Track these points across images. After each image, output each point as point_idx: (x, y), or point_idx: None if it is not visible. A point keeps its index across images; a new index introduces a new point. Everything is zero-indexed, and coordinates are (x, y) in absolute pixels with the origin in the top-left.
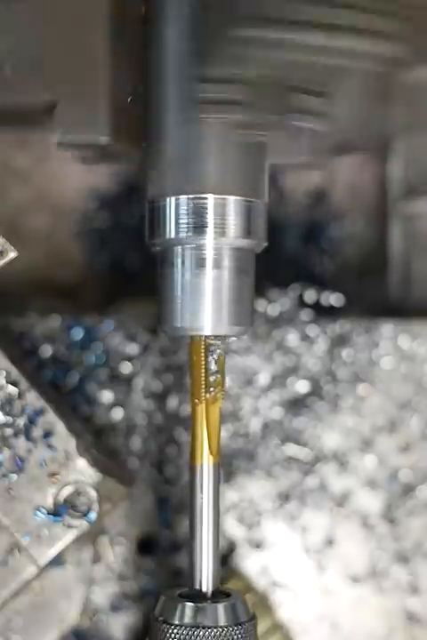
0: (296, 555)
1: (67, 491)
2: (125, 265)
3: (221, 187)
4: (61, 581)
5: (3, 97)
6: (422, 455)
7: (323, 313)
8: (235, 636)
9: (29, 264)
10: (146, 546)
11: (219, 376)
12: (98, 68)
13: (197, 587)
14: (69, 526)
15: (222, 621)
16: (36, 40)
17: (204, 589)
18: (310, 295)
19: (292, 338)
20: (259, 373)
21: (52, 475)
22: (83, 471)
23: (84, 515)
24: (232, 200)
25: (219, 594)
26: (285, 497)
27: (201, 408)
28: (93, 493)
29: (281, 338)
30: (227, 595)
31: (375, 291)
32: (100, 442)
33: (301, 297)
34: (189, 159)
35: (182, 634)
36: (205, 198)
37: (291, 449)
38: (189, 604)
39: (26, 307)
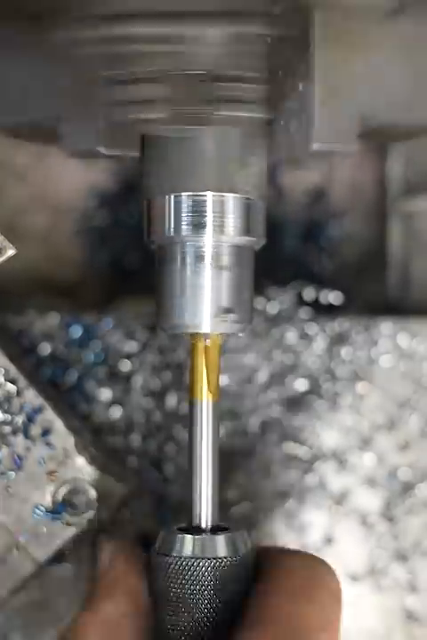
0: None
1: (65, 489)
2: (125, 263)
3: (220, 184)
4: (60, 579)
5: (19, 117)
6: (422, 453)
7: (322, 311)
8: (234, 568)
9: (28, 262)
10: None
11: None
12: (96, 89)
13: (197, 522)
14: (68, 524)
15: (222, 553)
16: (46, 70)
17: (203, 525)
18: (309, 293)
19: (291, 336)
20: (258, 371)
21: (51, 473)
22: (81, 469)
23: (83, 513)
24: (231, 198)
25: (218, 528)
26: (283, 495)
27: (201, 346)
28: (92, 491)
29: (280, 336)
30: (226, 528)
31: (374, 289)
32: (98, 440)
33: (300, 295)
34: (188, 157)
35: (181, 565)
36: (204, 196)
37: (290, 447)
38: (188, 537)
39: (25, 304)
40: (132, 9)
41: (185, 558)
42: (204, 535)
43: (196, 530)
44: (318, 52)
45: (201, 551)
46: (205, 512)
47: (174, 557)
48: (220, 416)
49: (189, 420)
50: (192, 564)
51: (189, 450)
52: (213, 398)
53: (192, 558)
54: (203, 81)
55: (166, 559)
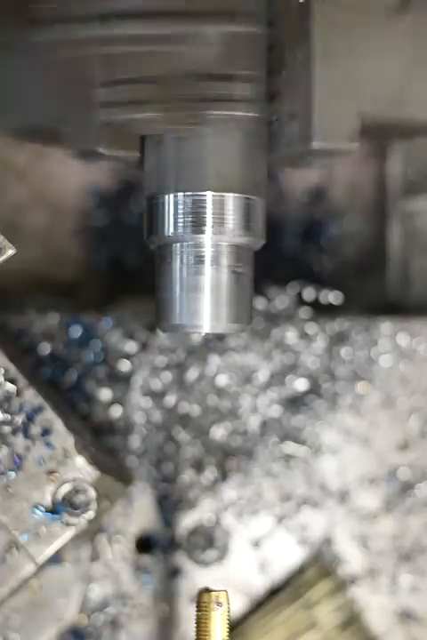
0: (295, 553)
1: (65, 488)
2: (124, 263)
3: (220, 184)
4: (59, 579)
5: (20, 119)
6: (422, 453)
7: (322, 311)
8: None
9: (28, 262)
10: (144, 544)
11: None
12: (93, 90)
13: None
14: (68, 524)
15: None
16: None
17: None
18: (308, 293)
19: (291, 336)
20: (258, 371)
21: (51, 472)
22: (81, 469)
23: (83, 513)
24: (231, 197)
25: None
26: (283, 495)
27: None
28: (92, 491)
29: (280, 336)
30: None
31: (374, 289)
32: (98, 440)
33: (299, 295)
34: (188, 156)
35: None
36: (204, 195)
37: (289, 447)
38: None
39: (24, 304)
40: (128, 8)
41: None
42: None
43: None
44: (318, 48)
45: None
46: None
47: None
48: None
49: None
50: None
51: None
52: None
53: None
54: (198, 81)
55: None
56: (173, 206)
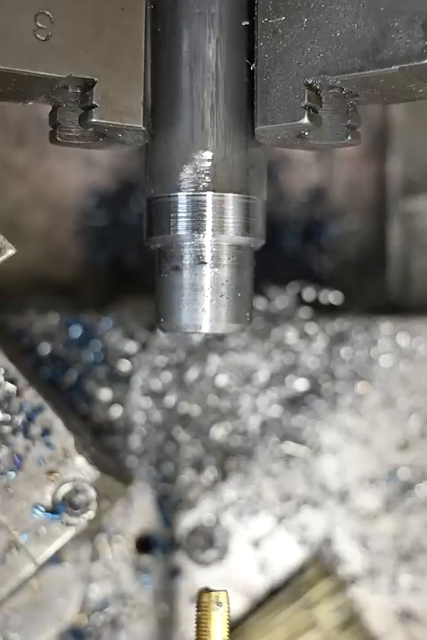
0: (295, 553)
1: (65, 488)
2: (124, 263)
3: (220, 184)
4: (59, 579)
5: (39, 67)
6: (422, 453)
7: (322, 311)
8: None
9: (28, 261)
10: (144, 544)
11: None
12: (139, 54)
13: None
14: (68, 524)
15: None
16: (78, 16)
17: None
18: (308, 293)
19: (291, 336)
20: (258, 371)
21: (51, 472)
22: (81, 469)
23: (83, 513)
24: (231, 197)
25: None
26: (283, 495)
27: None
28: (92, 491)
29: (280, 336)
30: None
31: (374, 288)
32: (98, 440)
33: (299, 295)
34: (190, 157)
35: None
36: (204, 195)
37: (289, 447)
38: None
39: (25, 304)
40: None
41: None
42: None
43: None
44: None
45: None
46: None
47: None
48: None
49: None
50: None
51: None
52: None
53: None
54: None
55: None
56: (173, 207)
